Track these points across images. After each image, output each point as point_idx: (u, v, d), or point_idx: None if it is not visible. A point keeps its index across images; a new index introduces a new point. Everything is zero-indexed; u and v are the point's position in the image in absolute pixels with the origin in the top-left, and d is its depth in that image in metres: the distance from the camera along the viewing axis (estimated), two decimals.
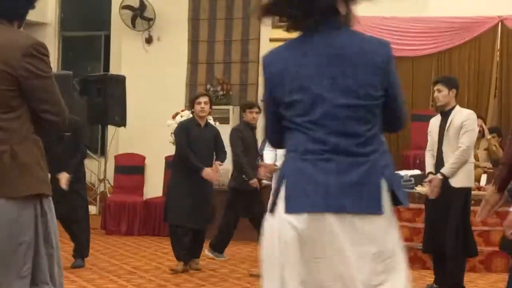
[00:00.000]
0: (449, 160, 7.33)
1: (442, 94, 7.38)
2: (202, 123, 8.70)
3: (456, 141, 7.32)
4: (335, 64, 3.12)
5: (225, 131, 12.50)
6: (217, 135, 8.79)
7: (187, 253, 8.49)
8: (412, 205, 10.03)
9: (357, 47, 3.15)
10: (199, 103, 8.65)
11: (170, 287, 7.60)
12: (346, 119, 3.10)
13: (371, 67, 3.13)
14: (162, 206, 12.41)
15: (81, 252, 8.65)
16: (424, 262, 9.30)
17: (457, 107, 7.52)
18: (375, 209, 3.08)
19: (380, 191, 3.10)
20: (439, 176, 7.33)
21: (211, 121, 11.38)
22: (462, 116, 7.39)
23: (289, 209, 3.07)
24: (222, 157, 8.70)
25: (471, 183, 7.68)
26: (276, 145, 3.43)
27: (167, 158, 13.01)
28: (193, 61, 13.84)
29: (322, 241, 3.05)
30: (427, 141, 7.84)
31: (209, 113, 8.93)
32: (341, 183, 3.06)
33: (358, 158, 3.09)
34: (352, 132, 3.10)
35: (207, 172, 8.36)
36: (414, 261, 9.41)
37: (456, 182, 7.35)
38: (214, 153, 8.72)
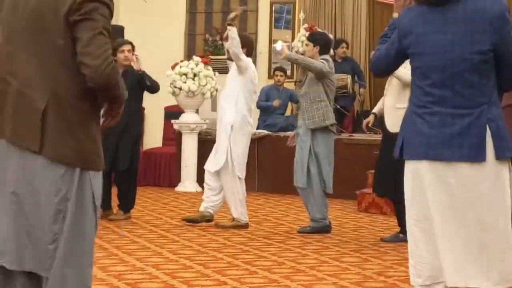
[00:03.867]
0: None
1: None
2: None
3: None
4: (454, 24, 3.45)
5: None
6: (139, 78, 8.39)
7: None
8: None
9: (471, 4, 3.45)
10: (123, 51, 8.47)
11: (171, 237, 7.63)
12: (455, 73, 3.43)
13: (481, 25, 3.40)
14: (162, 156, 12.47)
15: None
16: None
17: None
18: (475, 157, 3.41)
19: (483, 141, 3.39)
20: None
21: (210, 71, 11.36)
22: None
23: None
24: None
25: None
26: (377, 70, 3.88)
27: (166, 108, 13.00)
28: (191, 11, 13.75)
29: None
30: None
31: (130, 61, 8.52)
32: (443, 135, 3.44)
33: (463, 110, 3.42)
34: (458, 86, 3.43)
35: None
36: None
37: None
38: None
